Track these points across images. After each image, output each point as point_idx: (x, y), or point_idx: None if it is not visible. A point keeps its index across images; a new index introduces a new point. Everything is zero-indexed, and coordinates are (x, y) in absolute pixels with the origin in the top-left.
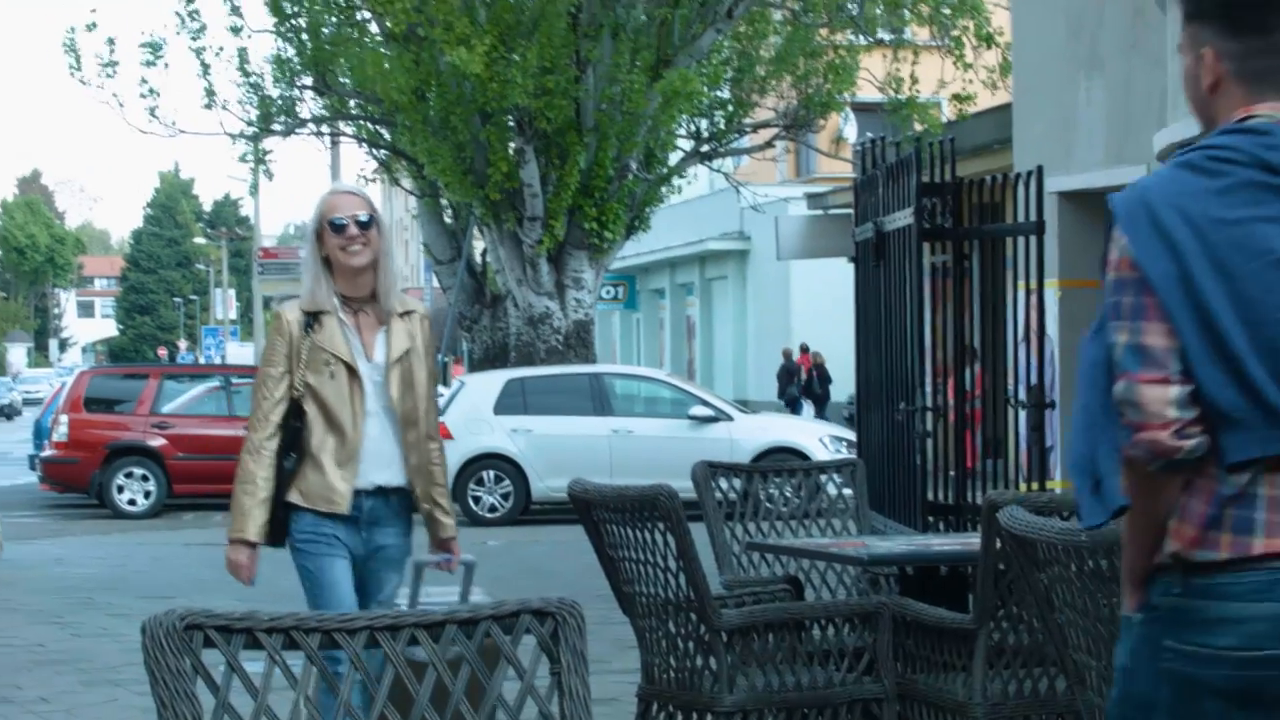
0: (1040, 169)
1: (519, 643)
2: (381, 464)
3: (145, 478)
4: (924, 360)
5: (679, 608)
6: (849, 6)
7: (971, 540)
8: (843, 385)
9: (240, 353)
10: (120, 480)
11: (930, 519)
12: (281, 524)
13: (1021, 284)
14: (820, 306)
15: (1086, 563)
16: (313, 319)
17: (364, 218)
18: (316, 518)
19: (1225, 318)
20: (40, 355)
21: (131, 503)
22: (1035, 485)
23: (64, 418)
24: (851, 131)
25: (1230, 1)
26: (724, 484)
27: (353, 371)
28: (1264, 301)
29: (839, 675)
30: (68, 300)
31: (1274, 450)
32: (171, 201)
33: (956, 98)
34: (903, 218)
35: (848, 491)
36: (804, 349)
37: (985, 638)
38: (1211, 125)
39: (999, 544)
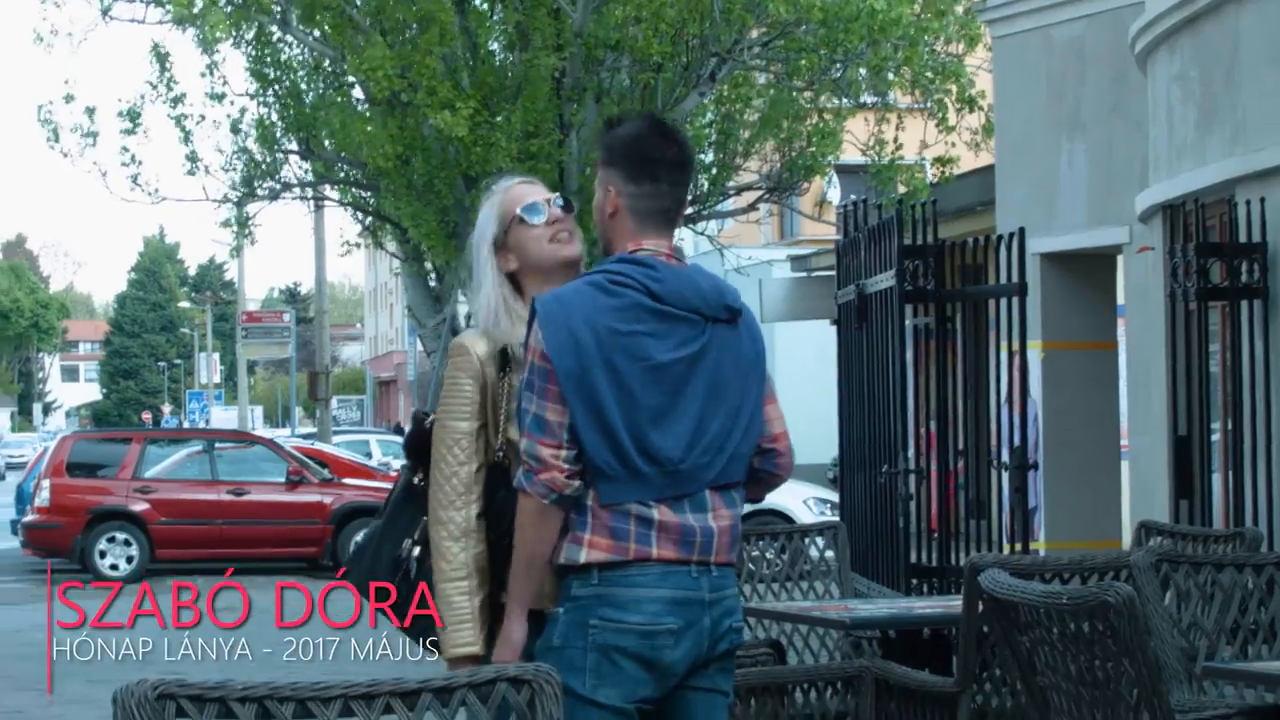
0: (1022, 230)
1: (493, 710)
2: None
3: (128, 542)
4: (906, 422)
5: None
6: (833, 70)
7: (954, 603)
8: (827, 447)
9: (224, 417)
10: (103, 545)
11: (915, 581)
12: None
13: (1004, 345)
14: (804, 368)
15: (1068, 626)
16: (505, 356)
17: (561, 201)
18: (536, 622)
19: (609, 402)
20: (24, 419)
21: (114, 567)
22: (1019, 546)
23: (46, 482)
24: (835, 194)
25: (631, 156)
26: None
27: None
28: (639, 392)
29: None
30: (52, 364)
31: (635, 498)
32: (156, 265)
33: (939, 160)
34: (884, 280)
35: (830, 554)
36: None
37: (968, 701)
38: (609, 247)
39: (980, 607)
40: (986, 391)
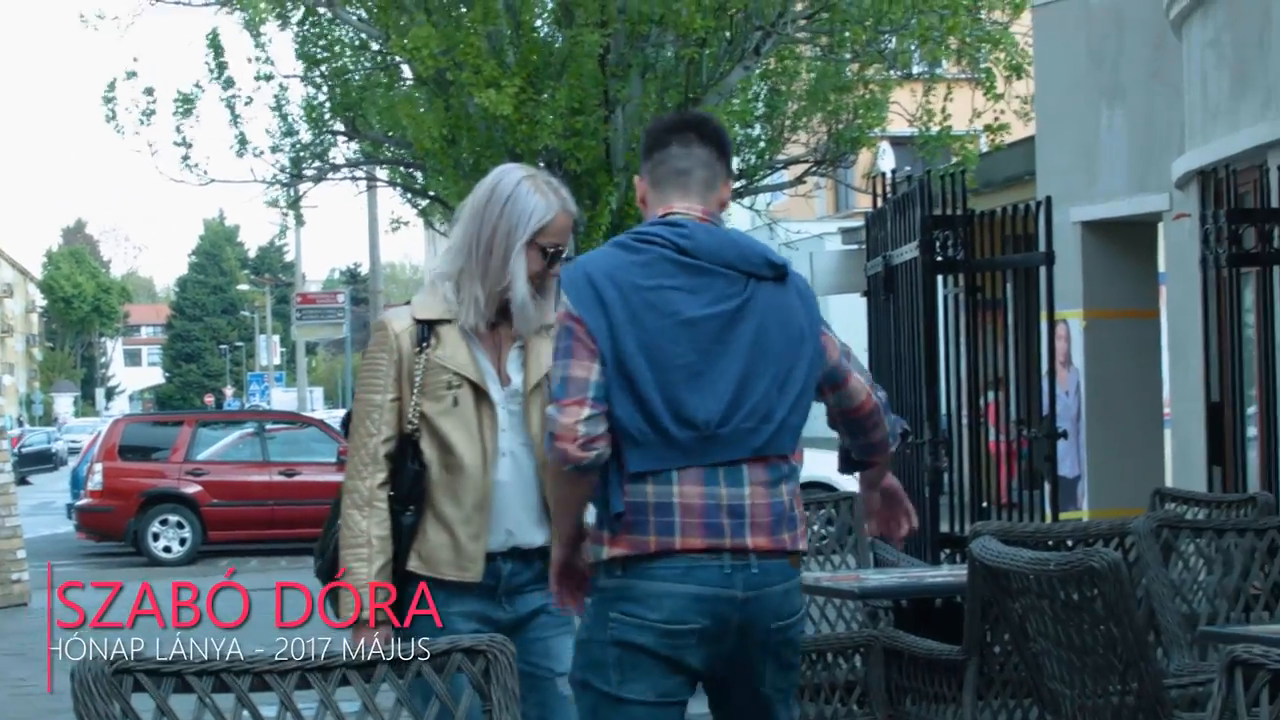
0: (1049, 199)
1: (449, 681)
2: (520, 518)
3: (180, 525)
4: (934, 393)
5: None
6: (881, 40)
7: (964, 572)
8: None
9: (285, 398)
10: (155, 528)
11: (947, 551)
12: (400, 598)
13: (1041, 315)
14: (859, 340)
15: (1056, 592)
16: (428, 329)
17: (566, 253)
18: (444, 593)
19: (637, 361)
20: (87, 404)
21: (167, 550)
22: (1049, 516)
23: (99, 466)
24: (888, 165)
25: (645, 144)
26: None
27: (482, 397)
28: (669, 350)
29: (830, 708)
30: (114, 349)
31: (665, 465)
32: (216, 249)
33: (989, 128)
34: (909, 250)
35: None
36: None
37: (974, 669)
38: None
39: (980, 576)
40: (1028, 362)
